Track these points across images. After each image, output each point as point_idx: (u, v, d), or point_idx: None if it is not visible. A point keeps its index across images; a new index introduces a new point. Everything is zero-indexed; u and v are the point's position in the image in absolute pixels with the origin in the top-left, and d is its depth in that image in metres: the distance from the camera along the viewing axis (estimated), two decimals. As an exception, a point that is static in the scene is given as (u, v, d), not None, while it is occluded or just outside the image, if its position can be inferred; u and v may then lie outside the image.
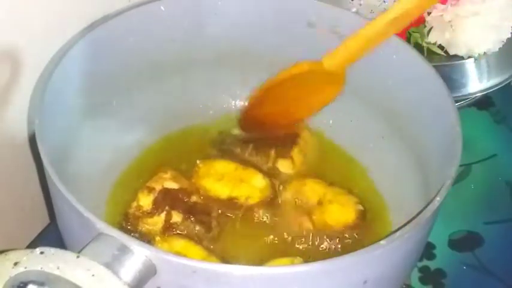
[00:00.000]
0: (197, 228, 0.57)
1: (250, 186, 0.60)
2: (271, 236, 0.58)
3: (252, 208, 0.59)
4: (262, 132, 0.65)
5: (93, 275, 0.39)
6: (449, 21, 0.73)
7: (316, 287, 0.44)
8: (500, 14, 0.73)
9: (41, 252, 0.39)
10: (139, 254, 0.41)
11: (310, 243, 0.57)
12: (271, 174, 0.62)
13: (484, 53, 0.74)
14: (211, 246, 0.56)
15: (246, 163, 0.62)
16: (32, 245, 0.62)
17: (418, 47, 0.73)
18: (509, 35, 0.75)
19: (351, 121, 0.67)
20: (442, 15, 0.73)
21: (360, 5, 0.65)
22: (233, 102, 0.70)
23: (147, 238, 0.56)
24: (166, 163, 0.62)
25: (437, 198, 0.47)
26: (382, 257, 0.45)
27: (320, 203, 0.59)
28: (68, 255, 0.39)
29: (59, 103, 0.53)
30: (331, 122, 0.68)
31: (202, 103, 0.69)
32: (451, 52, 0.75)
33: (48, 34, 0.58)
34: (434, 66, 0.58)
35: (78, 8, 0.60)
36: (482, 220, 0.69)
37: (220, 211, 0.59)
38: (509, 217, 0.69)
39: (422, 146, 0.59)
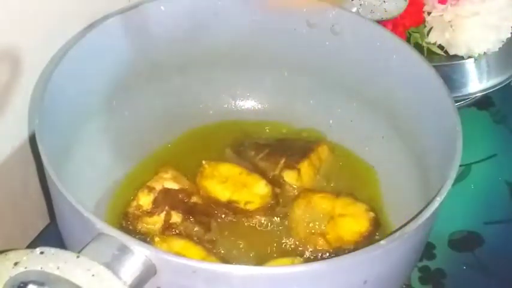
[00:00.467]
0: (196, 228, 0.57)
1: (251, 191, 0.60)
2: (272, 238, 0.58)
3: (251, 214, 0.59)
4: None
5: (93, 275, 0.39)
6: (449, 21, 0.73)
7: (316, 287, 0.44)
8: (500, 14, 0.73)
9: (41, 252, 0.39)
10: (139, 254, 0.41)
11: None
12: (275, 182, 0.61)
13: (484, 53, 0.74)
14: (211, 247, 0.56)
15: (254, 167, 0.62)
16: (32, 245, 0.62)
17: (418, 47, 0.73)
18: (509, 35, 0.75)
19: (351, 121, 0.67)
20: (442, 15, 0.73)
21: (360, 5, 0.64)
22: (233, 102, 0.70)
23: (146, 238, 0.56)
24: (166, 163, 0.62)
25: (437, 198, 0.47)
26: (382, 257, 0.45)
27: (331, 218, 0.58)
28: (68, 255, 0.39)
29: (59, 103, 0.53)
30: (331, 122, 0.68)
31: (202, 103, 0.69)
32: (451, 52, 0.75)
33: (48, 34, 0.58)
34: (434, 66, 0.58)
35: (78, 8, 0.60)
36: (482, 220, 0.68)
37: (219, 213, 0.59)
38: (509, 217, 0.69)
39: (422, 146, 0.59)
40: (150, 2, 0.61)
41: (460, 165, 0.50)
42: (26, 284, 0.38)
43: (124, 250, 0.41)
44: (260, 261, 0.56)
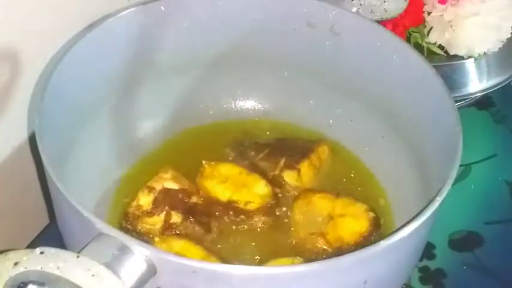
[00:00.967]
0: (196, 228, 0.57)
1: (251, 191, 0.60)
2: (272, 238, 0.58)
3: (251, 214, 0.59)
4: None
5: (93, 275, 0.39)
6: (449, 21, 0.73)
7: (316, 287, 0.44)
8: (500, 14, 0.73)
9: (41, 252, 0.39)
10: (139, 254, 0.41)
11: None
12: (275, 182, 0.61)
13: (484, 53, 0.74)
14: (211, 247, 0.56)
15: (254, 167, 0.62)
16: (32, 245, 0.62)
17: (418, 47, 0.73)
18: (509, 35, 0.75)
19: (351, 121, 0.67)
20: (442, 15, 0.73)
21: (360, 5, 0.64)
22: (233, 102, 0.70)
23: (146, 238, 0.56)
24: (166, 163, 0.62)
25: (437, 198, 0.47)
26: (382, 257, 0.45)
27: (331, 218, 0.58)
28: (68, 255, 0.39)
29: (59, 103, 0.53)
30: (331, 122, 0.68)
31: (202, 103, 0.69)
32: (451, 52, 0.75)
33: (48, 34, 0.58)
34: (434, 66, 0.58)
35: (78, 8, 0.60)
36: (482, 220, 0.68)
37: (219, 213, 0.59)
38: (509, 217, 0.69)
39: (422, 146, 0.59)
40: (150, 2, 0.61)
41: (460, 165, 0.50)
42: (26, 284, 0.38)
43: (124, 250, 0.41)
44: (260, 261, 0.56)
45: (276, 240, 0.58)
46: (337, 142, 0.67)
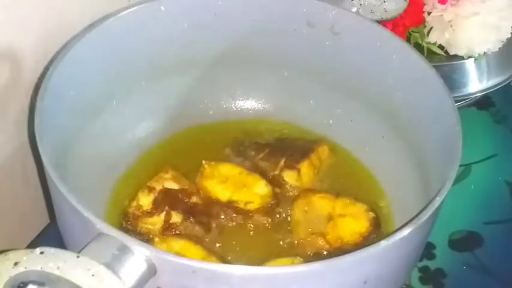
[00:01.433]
0: (196, 228, 0.57)
1: (251, 191, 0.60)
2: (272, 238, 0.58)
3: (251, 214, 0.59)
4: None
5: (93, 275, 0.39)
6: (449, 21, 0.73)
7: (316, 287, 0.44)
8: (500, 14, 0.73)
9: (41, 252, 0.39)
10: (139, 254, 0.41)
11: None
12: (275, 182, 0.61)
13: (484, 53, 0.74)
14: (211, 247, 0.56)
15: (254, 167, 0.62)
16: (32, 245, 0.62)
17: (418, 47, 0.73)
18: (509, 35, 0.75)
19: (351, 121, 0.67)
20: (442, 15, 0.73)
21: (360, 5, 0.64)
22: (233, 102, 0.70)
23: (146, 238, 0.56)
24: (166, 163, 0.62)
25: (437, 198, 0.47)
26: (382, 257, 0.45)
27: (331, 218, 0.58)
28: (68, 255, 0.39)
29: (59, 103, 0.53)
30: (331, 122, 0.68)
31: (202, 103, 0.69)
32: (451, 52, 0.75)
33: (48, 34, 0.57)
34: (434, 66, 0.58)
35: (78, 8, 0.60)
36: (482, 220, 0.68)
37: (219, 213, 0.59)
38: (509, 217, 0.69)
39: (422, 146, 0.59)
40: (150, 2, 0.61)
41: (460, 165, 0.50)
42: (26, 284, 0.38)
43: (124, 250, 0.41)
44: (260, 261, 0.56)
45: (276, 240, 0.58)
46: (337, 142, 0.67)
